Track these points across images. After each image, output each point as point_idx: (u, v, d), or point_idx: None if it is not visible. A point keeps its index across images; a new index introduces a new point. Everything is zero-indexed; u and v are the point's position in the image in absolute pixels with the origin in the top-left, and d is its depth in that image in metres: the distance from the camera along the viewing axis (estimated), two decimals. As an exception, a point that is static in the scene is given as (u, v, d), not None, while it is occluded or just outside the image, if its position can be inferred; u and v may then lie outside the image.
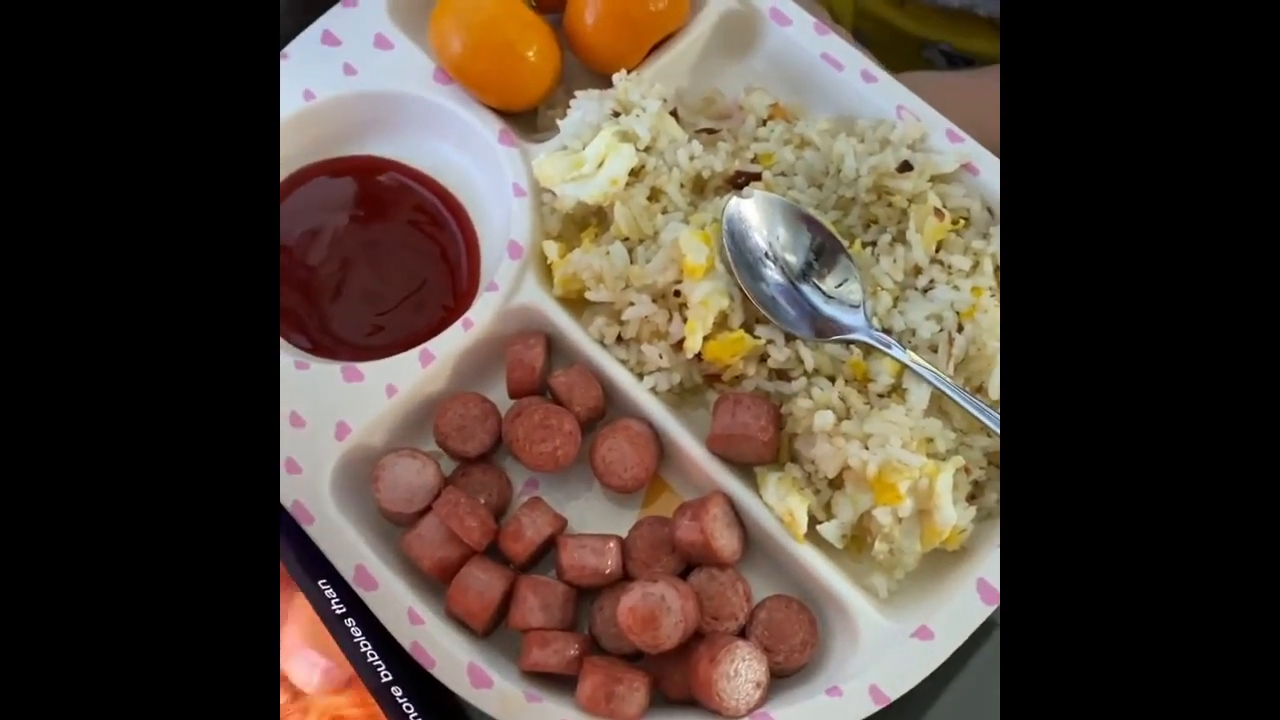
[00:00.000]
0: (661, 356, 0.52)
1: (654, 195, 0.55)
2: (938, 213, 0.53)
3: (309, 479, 0.51)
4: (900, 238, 0.53)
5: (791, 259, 0.52)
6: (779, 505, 0.49)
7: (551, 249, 0.55)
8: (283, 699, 0.46)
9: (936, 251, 0.53)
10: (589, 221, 0.56)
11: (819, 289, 0.52)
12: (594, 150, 0.54)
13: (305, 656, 0.47)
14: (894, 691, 0.46)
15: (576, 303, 0.55)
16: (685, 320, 0.51)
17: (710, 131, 0.58)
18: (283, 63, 0.59)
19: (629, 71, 0.58)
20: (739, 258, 0.51)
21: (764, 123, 0.58)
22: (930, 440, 0.49)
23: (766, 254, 0.52)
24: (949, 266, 0.53)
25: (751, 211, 0.52)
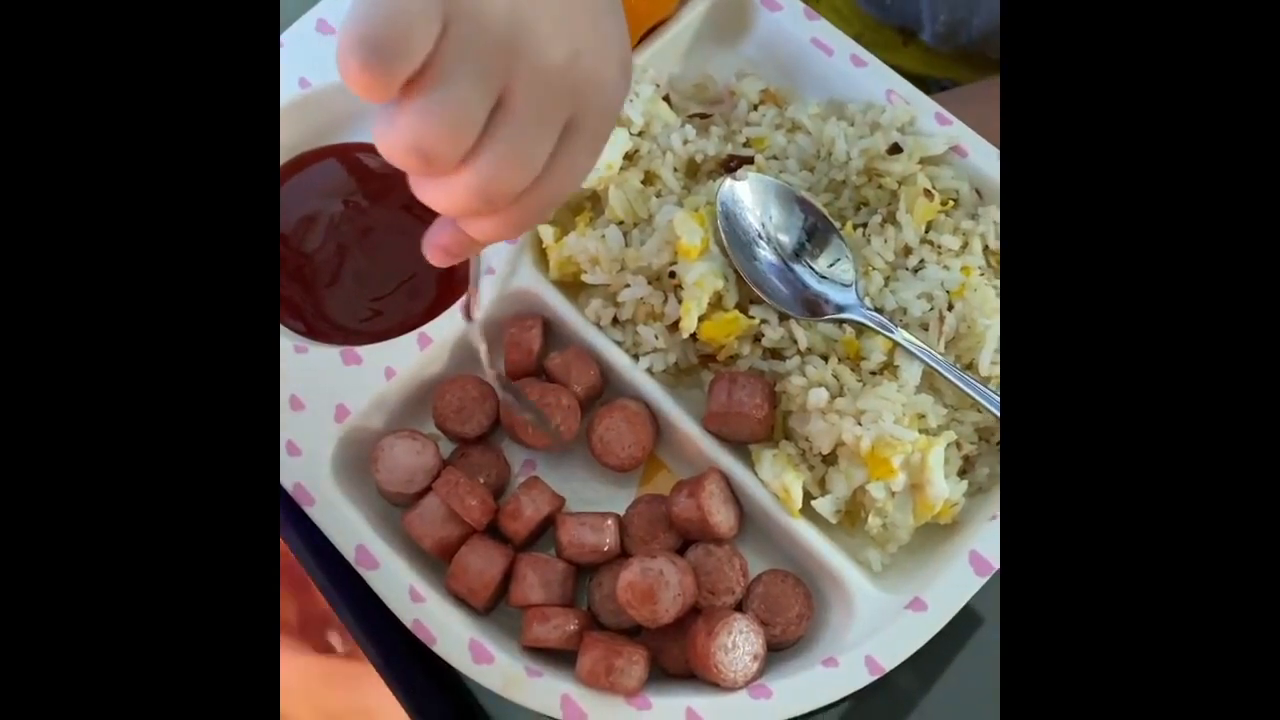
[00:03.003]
0: (657, 337, 0.53)
1: (648, 179, 0.56)
2: (927, 194, 0.53)
3: (309, 461, 0.51)
4: (891, 219, 0.54)
5: (785, 239, 0.53)
6: (774, 481, 0.50)
7: (547, 233, 0.55)
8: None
9: (926, 232, 0.54)
10: (583, 205, 0.57)
11: (812, 269, 0.53)
12: (588, 135, 0.55)
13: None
14: (889, 662, 0.47)
15: (572, 285, 0.56)
16: (680, 301, 0.52)
17: (703, 116, 0.59)
18: (277, 51, 0.60)
19: (622, 57, 0.58)
20: (733, 238, 0.52)
21: (755, 107, 0.59)
22: (922, 416, 0.50)
23: (760, 234, 0.53)
24: (939, 246, 0.54)
25: (745, 193, 0.53)
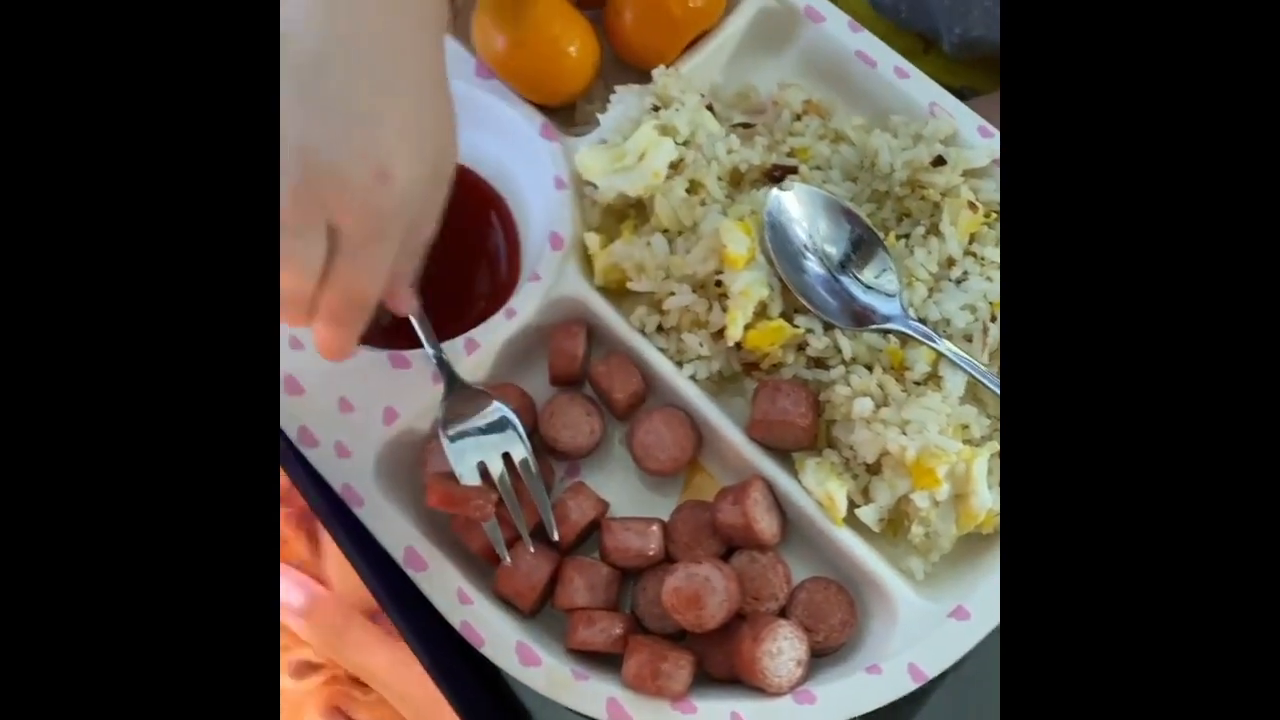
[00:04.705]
0: (702, 345, 0.53)
1: (693, 188, 0.56)
2: (971, 206, 0.54)
3: (358, 463, 0.52)
4: (934, 230, 0.55)
5: (831, 251, 0.54)
6: (818, 489, 0.50)
7: (593, 240, 0.56)
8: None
9: (969, 243, 0.54)
10: (628, 213, 0.58)
11: (858, 280, 0.53)
12: (635, 144, 0.56)
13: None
14: (932, 670, 0.48)
15: (616, 293, 0.56)
16: (725, 310, 0.52)
17: (746, 126, 0.59)
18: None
19: (666, 66, 0.59)
20: (780, 249, 0.53)
21: (799, 117, 0.59)
22: (965, 426, 0.50)
23: (806, 246, 0.53)
24: (982, 258, 0.54)
25: (792, 204, 0.54)
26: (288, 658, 0.46)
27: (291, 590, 0.46)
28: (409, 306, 0.51)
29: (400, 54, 0.43)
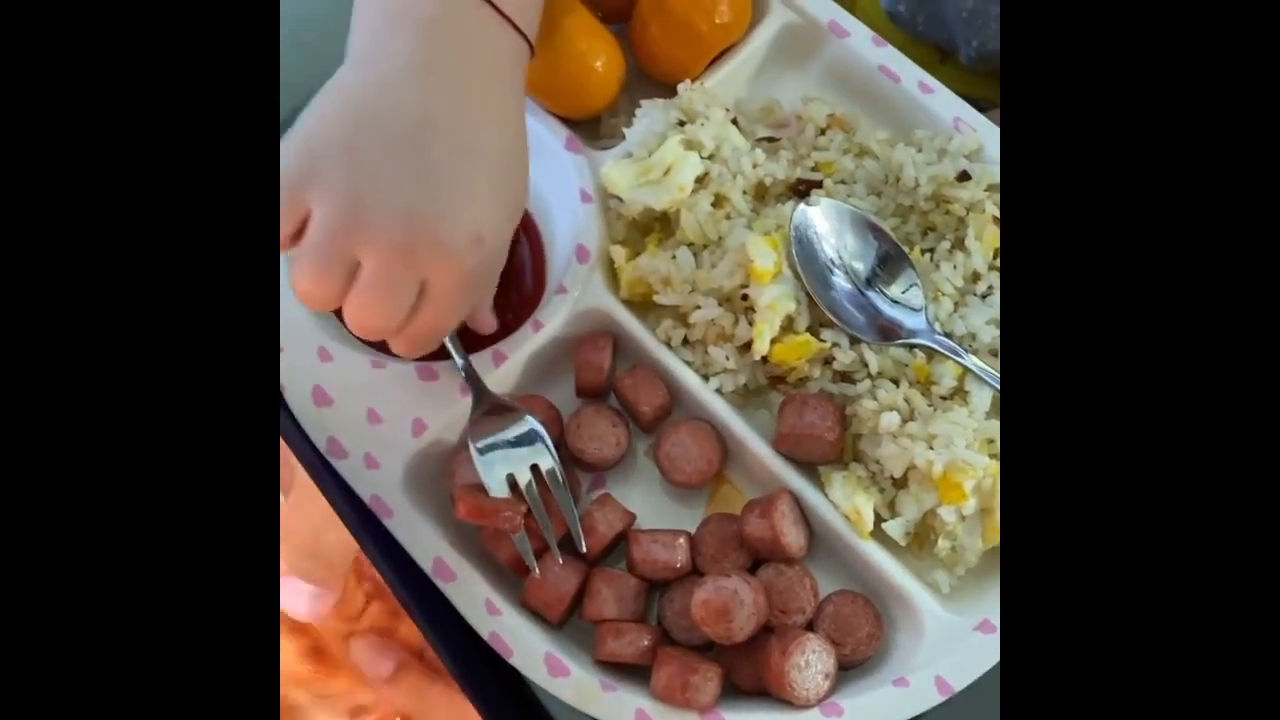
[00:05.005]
0: (728, 358, 0.54)
1: (718, 202, 0.56)
2: (995, 221, 0.54)
3: (386, 474, 0.52)
4: (959, 245, 0.55)
5: (859, 266, 0.54)
6: (845, 503, 0.51)
7: (618, 254, 0.56)
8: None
9: (994, 258, 0.55)
10: (653, 227, 0.58)
11: (885, 295, 0.54)
12: (660, 158, 0.56)
13: (292, 585, 0.49)
14: (959, 682, 0.48)
15: (642, 305, 0.57)
16: (751, 323, 0.53)
17: (771, 140, 0.60)
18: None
19: (691, 81, 0.59)
20: (806, 264, 0.53)
21: (823, 132, 0.60)
22: (991, 441, 0.51)
23: (833, 261, 0.54)
24: (1007, 273, 0.54)
25: (819, 219, 0.54)
26: (344, 703, 0.48)
27: (380, 661, 0.48)
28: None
29: (494, 117, 0.47)
